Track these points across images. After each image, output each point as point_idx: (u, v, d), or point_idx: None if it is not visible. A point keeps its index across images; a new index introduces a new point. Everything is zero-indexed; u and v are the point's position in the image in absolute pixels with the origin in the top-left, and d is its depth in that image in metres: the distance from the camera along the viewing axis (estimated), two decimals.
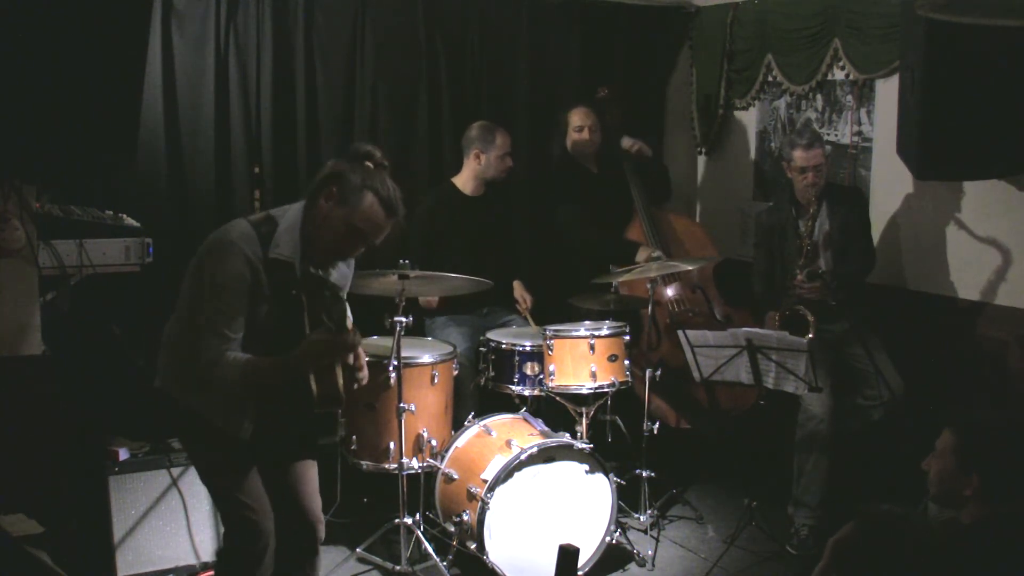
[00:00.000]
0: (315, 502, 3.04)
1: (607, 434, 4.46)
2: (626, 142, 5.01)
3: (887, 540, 2.02)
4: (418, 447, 3.89)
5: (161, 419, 3.20)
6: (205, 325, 2.67)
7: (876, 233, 4.62)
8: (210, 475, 2.95)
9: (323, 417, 2.93)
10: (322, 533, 3.07)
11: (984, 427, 2.48)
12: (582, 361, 4.11)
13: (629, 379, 4.24)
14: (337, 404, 2.85)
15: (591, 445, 3.83)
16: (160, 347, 2.92)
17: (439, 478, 3.89)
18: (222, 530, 3.75)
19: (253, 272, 2.69)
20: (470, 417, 4.09)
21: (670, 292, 4.87)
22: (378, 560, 3.93)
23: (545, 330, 4.16)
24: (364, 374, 2.98)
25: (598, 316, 4.39)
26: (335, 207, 2.75)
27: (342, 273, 2.98)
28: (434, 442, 3.92)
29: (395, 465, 3.79)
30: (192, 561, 3.75)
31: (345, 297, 3.02)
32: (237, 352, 2.69)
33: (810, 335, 4.09)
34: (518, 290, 4.76)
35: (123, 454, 3.68)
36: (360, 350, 2.93)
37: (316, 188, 2.80)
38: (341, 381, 2.84)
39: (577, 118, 4.92)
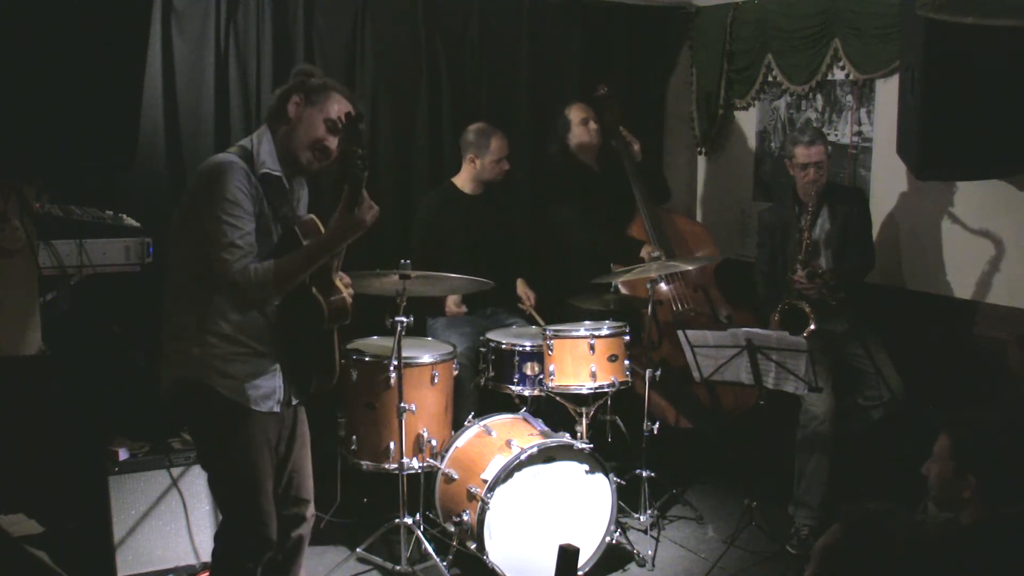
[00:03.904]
0: (311, 481, 3.10)
1: (607, 434, 4.46)
2: (625, 134, 4.99)
3: (873, 540, 2.01)
4: (418, 447, 3.89)
5: (178, 417, 3.19)
6: (224, 244, 2.70)
7: (875, 233, 4.62)
8: (241, 465, 2.83)
9: (321, 356, 2.93)
10: (312, 510, 3.11)
11: (979, 428, 2.48)
12: (582, 361, 4.11)
13: (629, 379, 4.24)
14: (345, 316, 2.91)
15: (591, 445, 3.83)
16: (164, 342, 2.87)
17: (439, 478, 3.89)
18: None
19: (253, 187, 2.78)
20: (470, 417, 4.09)
21: (671, 292, 4.87)
22: (378, 560, 3.93)
23: (545, 330, 4.16)
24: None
25: (598, 316, 4.39)
26: (305, 108, 2.90)
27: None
28: (434, 442, 3.92)
29: (395, 465, 3.80)
30: (192, 561, 3.75)
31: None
32: (257, 263, 2.75)
33: (811, 327, 4.09)
34: (521, 288, 4.76)
35: (123, 454, 3.67)
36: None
37: (277, 107, 2.92)
38: (345, 292, 2.91)
39: (580, 112, 4.92)
